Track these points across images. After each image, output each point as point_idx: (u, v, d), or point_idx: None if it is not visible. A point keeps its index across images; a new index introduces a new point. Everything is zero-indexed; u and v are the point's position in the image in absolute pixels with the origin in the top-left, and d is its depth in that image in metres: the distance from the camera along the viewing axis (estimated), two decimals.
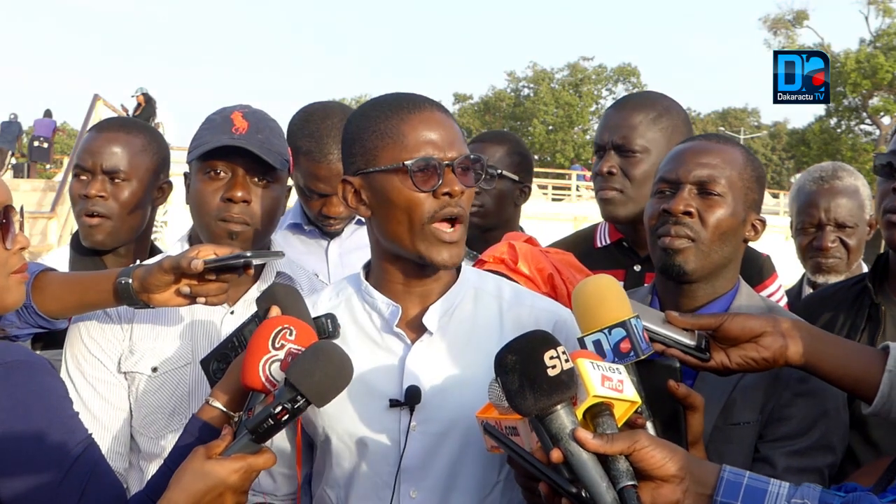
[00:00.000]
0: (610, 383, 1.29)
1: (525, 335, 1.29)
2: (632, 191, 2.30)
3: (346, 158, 1.62)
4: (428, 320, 1.59)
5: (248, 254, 1.68)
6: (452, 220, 1.53)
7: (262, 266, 2.00)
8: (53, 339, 2.03)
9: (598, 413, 1.28)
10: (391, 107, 1.57)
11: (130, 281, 1.71)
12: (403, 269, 1.60)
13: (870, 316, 1.99)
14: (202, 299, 1.70)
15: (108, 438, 1.86)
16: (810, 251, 2.89)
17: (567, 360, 1.25)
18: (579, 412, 1.26)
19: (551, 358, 1.24)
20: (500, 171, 2.78)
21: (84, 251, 2.30)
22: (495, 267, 2.06)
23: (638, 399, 1.33)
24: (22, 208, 1.55)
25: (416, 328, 1.61)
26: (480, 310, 1.65)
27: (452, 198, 1.51)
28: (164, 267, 1.67)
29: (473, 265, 2.15)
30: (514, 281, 2.00)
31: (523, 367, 1.24)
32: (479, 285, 1.69)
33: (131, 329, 1.92)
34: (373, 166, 1.54)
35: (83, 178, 2.26)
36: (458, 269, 1.67)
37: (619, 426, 1.29)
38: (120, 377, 1.91)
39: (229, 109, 1.94)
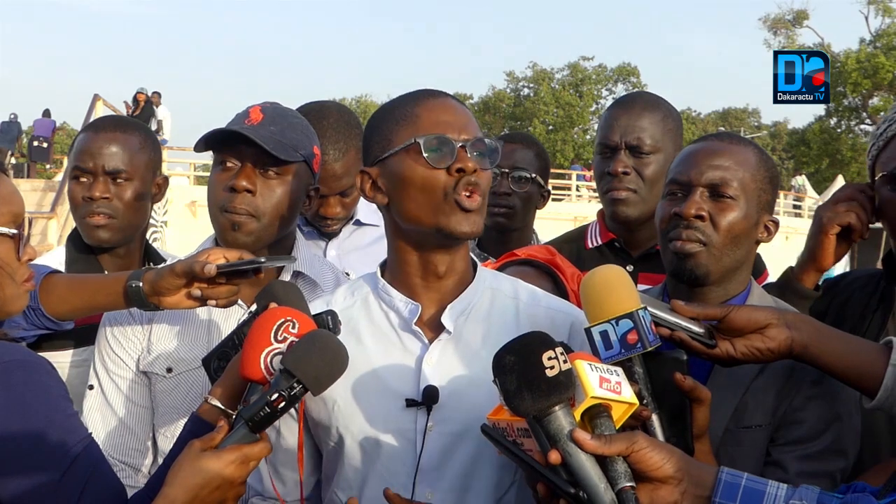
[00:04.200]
0: (608, 385, 1.28)
1: (524, 336, 1.29)
2: (644, 191, 2.33)
3: (364, 154, 1.63)
4: (446, 319, 1.58)
5: (262, 259, 1.70)
6: (470, 191, 1.52)
7: (282, 267, 1.99)
8: (52, 342, 2.04)
9: (596, 414, 1.27)
10: (408, 97, 1.60)
11: (141, 284, 1.73)
12: (422, 258, 1.58)
13: (882, 297, 1.97)
14: (213, 302, 1.71)
15: (129, 436, 1.89)
16: None
17: (565, 361, 1.25)
18: (577, 413, 1.26)
19: (549, 359, 1.24)
20: (533, 174, 2.76)
21: (82, 251, 2.29)
22: (535, 254, 2.08)
23: (636, 401, 1.33)
24: (26, 220, 1.57)
25: (434, 327, 1.60)
26: (497, 310, 1.64)
27: (466, 174, 1.51)
28: (177, 271, 1.69)
29: (502, 257, 2.15)
30: (552, 269, 2.02)
31: (521, 367, 1.24)
32: (496, 286, 1.67)
33: (150, 329, 1.95)
34: (388, 150, 1.55)
35: (84, 179, 2.22)
36: (475, 269, 1.66)
37: (616, 428, 1.29)
38: (141, 375, 1.93)
39: (253, 105, 1.94)
